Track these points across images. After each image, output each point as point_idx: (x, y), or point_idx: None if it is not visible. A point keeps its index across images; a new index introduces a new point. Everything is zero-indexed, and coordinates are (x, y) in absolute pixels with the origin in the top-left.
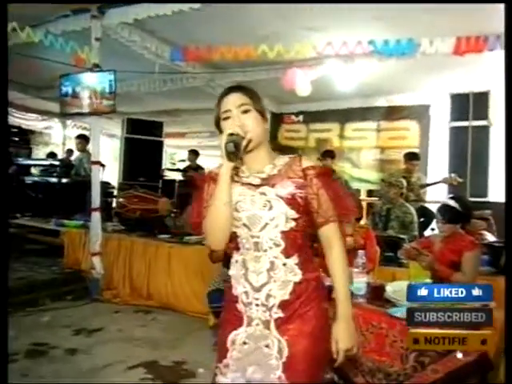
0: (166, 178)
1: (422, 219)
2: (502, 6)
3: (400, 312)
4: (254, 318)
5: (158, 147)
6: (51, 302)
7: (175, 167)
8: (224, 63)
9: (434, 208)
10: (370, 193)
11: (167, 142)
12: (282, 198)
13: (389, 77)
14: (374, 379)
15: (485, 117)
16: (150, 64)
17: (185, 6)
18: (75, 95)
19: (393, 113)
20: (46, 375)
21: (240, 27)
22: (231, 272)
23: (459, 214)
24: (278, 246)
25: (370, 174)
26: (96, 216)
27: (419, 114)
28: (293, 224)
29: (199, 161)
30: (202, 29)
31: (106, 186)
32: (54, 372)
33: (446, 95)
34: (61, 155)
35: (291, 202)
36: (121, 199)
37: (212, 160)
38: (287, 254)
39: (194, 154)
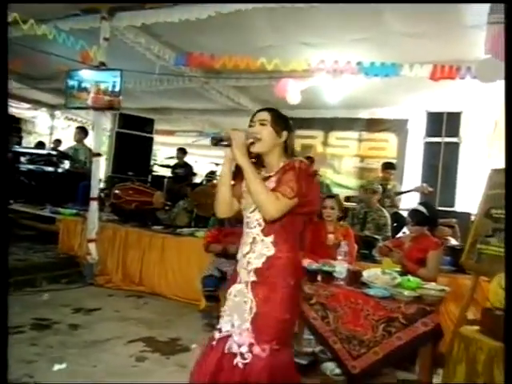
0: (155, 173)
1: (395, 224)
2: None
3: (373, 291)
4: (242, 277)
5: (148, 143)
6: (48, 283)
7: (164, 163)
8: (220, 68)
9: (406, 214)
10: (347, 199)
11: (156, 138)
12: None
13: (372, 92)
14: (350, 345)
15: (456, 134)
16: (151, 64)
17: (192, 16)
18: (81, 89)
19: (374, 125)
20: (54, 345)
21: (240, 39)
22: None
23: (427, 218)
24: (260, 225)
25: (350, 180)
26: (94, 205)
27: (398, 127)
28: None
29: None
30: (204, 37)
31: None
32: (60, 343)
33: (423, 112)
34: (48, 144)
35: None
36: (117, 191)
37: (197, 158)
38: (266, 233)
39: (182, 151)
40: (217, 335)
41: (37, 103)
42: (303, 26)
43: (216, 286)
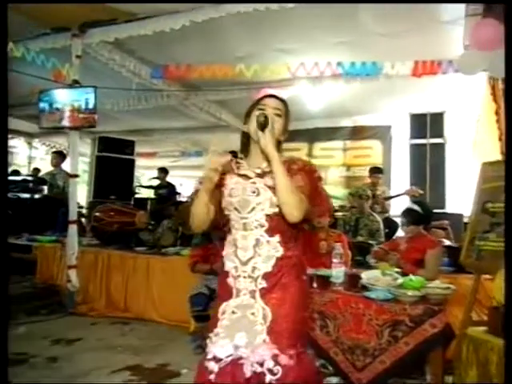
0: (137, 195)
1: (387, 229)
2: (455, 34)
3: (374, 294)
4: (242, 288)
5: (130, 165)
6: (25, 315)
7: (148, 184)
8: (198, 82)
9: (397, 219)
10: (337, 209)
11: (138, 162)
12: (269, 187)
13: (354, 99)
14: (354, 356)
15: (441, 135)
16: (127, 82)
17: (166, 27)
18: (53, 110)
19: (358, 133)
20: (29, 381)
21: (217, 48)
22: (224, 252)
23: (421, 217)
24: (262, 226)
25: (337, 190)
26: (73, 229)
27: (382, 133)
28: (276, 209)
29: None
30: (180, 50)
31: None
32: (36, 378)
33: (406, 115)
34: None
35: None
36: (97, 213)
37: (182, 180)
38: (270, 233)
39: (163, 171)
40: (213, 365)
41: (13, 132)
42: (279, 31)
43: (205, 305)
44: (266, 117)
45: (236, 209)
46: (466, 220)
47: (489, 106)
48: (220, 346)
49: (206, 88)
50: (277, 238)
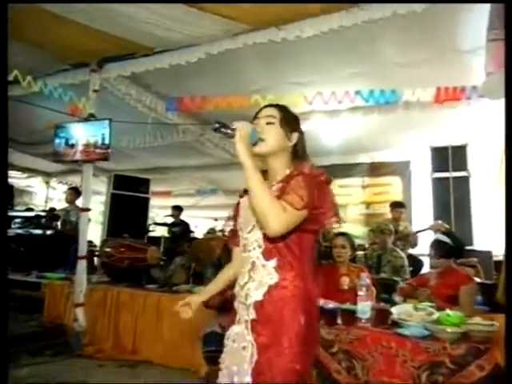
0: (151, 234)
1: (411, 268)
2: (479, 61)
3: (409, 331)
4: (240, 315)
5: (144, 204)
6: (30, 357)
7: (162, 221)
8: (214, 117)
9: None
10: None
11: (153, 201)
12: None
13: (371, 133)
14: None
15: (464, 168)
16: (143, 117)
17: (182, 60)
18: (69, 146)
19: (376, 169)
20: None
21: (232, 82)
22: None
23: (451, 249)
24: (260, 247)
25: (357, 228)
26: (82, 264)
27: (401, 169)
28: None
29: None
30: (196, 83)
31: (88, 244)
32: None
33: (426, 149)
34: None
35: None
36: (108, 249)
37: (196, 220)
38: (267, 255)
39: (177, 209)
40: None
41: (30, 171)
42: (295, 63)
43: (218, 345)
44: (219, 123)
45: (241, 229)
46: (495, 258)
47: None
48: (222, 375)
49: None
50: (273, 262)
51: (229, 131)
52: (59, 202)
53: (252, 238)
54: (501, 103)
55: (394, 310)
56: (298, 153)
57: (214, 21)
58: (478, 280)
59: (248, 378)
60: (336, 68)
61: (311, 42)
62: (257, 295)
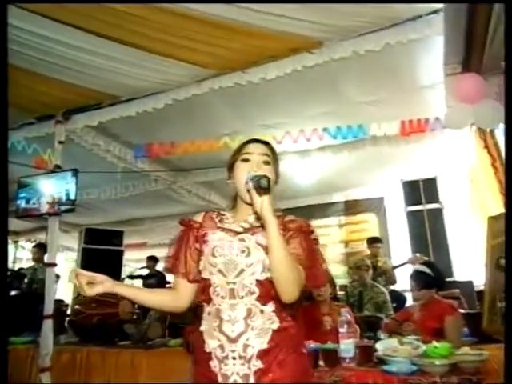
0: None
1: (394, 304)
2: (438, 94)
3: (395, 367)
4: (231, 374)
5: (118, 257)
6: None
7: (137, 274)
8: (185, 164)
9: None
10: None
11: (128, 254)
12: (261, 246)
13: (344, 172)
14: None
15: (436, 200)
16: (113, 168)
17: (148, 107)
18: (31, 205)
19: (351, 207)
20: None
21: (201, 127)
22: (202, 328)
23: (432, 279)
24: (252, 293)
25: (337, 268)
26: (48, 324)
27: (375, 206)
28: (269, 274)
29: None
30: (164, 130)
31: (59, 303)
32: None
33: (398, 184)
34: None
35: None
36: (76, 306)
37: None
38: (263, 301)
39: (152, 260)
40: None
41: None
42: (262, 107)
43: None
44: (269, 180)
45: (220, 271)
46: (477, 288)
47: (483, 160)
48: None
49: (192, 168)
50: (271, 306)
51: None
52: (28, 262)
53: (241, 283)
54: (464, 133)
55: (378, 345)
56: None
57: (180, 67)
58: (462, 311)
59: None
60: (302, 108)
61: (276, 84)
62: (261, 343)
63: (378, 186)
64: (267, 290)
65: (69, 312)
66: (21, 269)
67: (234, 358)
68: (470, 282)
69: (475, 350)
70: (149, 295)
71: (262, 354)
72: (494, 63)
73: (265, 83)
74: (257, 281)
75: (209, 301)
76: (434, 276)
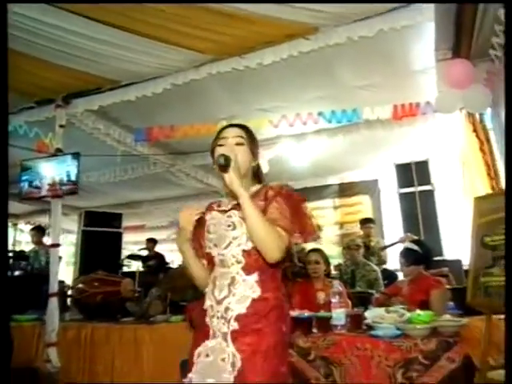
0: (125, 269)
1: (386, 281)
2: (430, 79)
3: (382, 332)
4: (216, 330)
5: (117, 239)
6: None
7: (136, 254)
8: (183, 147)
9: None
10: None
11: (126, 237)
12: (245, 220)
13: (339, 155)
14: None
15: (428, 182)
16: (113, 151)
17: (148, 92)
18: (34, 187)
19: (346, 190)
20: None
21: (199, 111)
22: (206, 290)
23: (421, 256)
24: (239, 262)
25: (332, 248)
26: (53, 302)
27: (370, 188)
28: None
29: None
30: (163, 114)
31: (60, 284)
32: None
33: (392, 167)
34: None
35: None
36: (80, 285)
37: (171, 255)
38: (248, 271)
39: (151, 242)
40: None
41: None
42: (259, 91)
43: None
44: (226, 157)
45: (215, 245)
46: (465, 267)
47: (472, 144)
48: None
49: (191, 151)
50: (254, 276)
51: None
52: (27, 245)
53: (229, 254)
54: (455, 117)
55: (367, 314)
56: (259, 169)
57: (178, 52)
58: (448, 286)
59: None
60: (298, 93)
61: (273, 70)
62: (239, 309)
63: (371, 169)
64: (253, 260)
65: (70, 292)
66: (21, 251)
67: (217, 318)
68: (459, 261)
69: (454, 318)
70: (197, 266)
71: (240, 318)
72: (482, 50)
73: (261, 68)
74: (243, 251)
75: (212, 269)
76: (423, 253)
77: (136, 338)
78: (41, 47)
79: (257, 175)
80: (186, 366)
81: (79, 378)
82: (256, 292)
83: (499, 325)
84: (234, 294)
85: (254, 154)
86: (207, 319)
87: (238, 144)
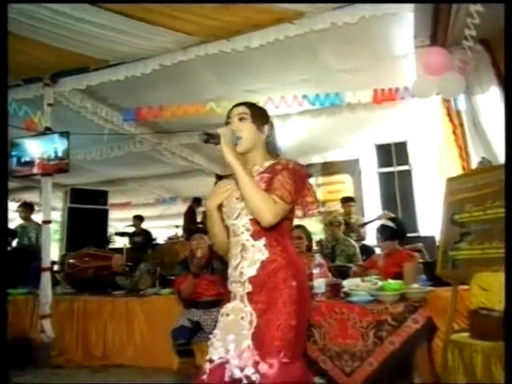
0: (112, 246)
1: (364, 257)
2: (408, 66)
3: (356, 298)
4: (235, 292)
5: (103, 216)
6: None
7: (122, 231)
8: (170, 126)
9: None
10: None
11: (112, 214)
12: None
13: (322, 135)
14: (342, 361)
15: (406, 162)
16: (100, 130)
17: (136, 72)
18: (22, 164)
19: (328, 168)
20: None
21: (187, 92)
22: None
23: (396, 232)
24: (248, 230)
25: (315, 225)
26: (46, 276)
27: (351, 167)
28: None
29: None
30: (151, 94)
31: None
32: None
33: (372, 147)
34: None
35: None
36: (71, 260)
37: (156, 231)
38: (256, 237)
39: (138, 219)
40: (207, 366)
41: None
42: (246, 73)
43: (188, 338)
44: (207, 134)
45: (228, 216)
46: (438, 243)
47: (446, 127)
48: (214, 348)
49: (177, 130)
50: (262, 241)
51: (215, 139)
52: (13, 221)
53: (239, 224)
54: (432, 102)
55: (345, 283)
56: (271, 143)
57: (166, 35)
58: (421, 260)
59: (248, 341)
60: (283, 75)
61: (260, 53)
62: (251, 271)
63: (353, 149)
64: (260, 227)
65: (56, 268)
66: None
67: (235, 282)
68: (433, 237)
69: (421, 286)
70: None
71: (252, 280)
72: (457, 39)
73: (248, 51)
74: (251, 220)
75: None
76: (397, 230)
77: (128, 309)
78: (28, 27)
79: (270, 150)
80: (176, 334)
81: (72, 348)
82: (264, 255)
83: (464, 294)
84: (246, 258)
85: (259, 127)
86: (228, 283)
87: (240, 119)
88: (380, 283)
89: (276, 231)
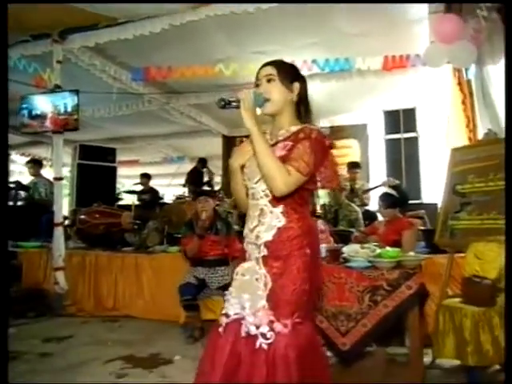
0: (120, 203)
1: (367, 222)
2: (421, 32)
3: (355, 264)
4: (250, 254)
5: (112, 173)
6: (13, 319)
7: (131, 189)
8: (179, 86)
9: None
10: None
11: (119, 171)
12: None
13: (331, 99)
14: (338, 321)
15: (413, 129)
16: (108, 88)
17: (145, 30)
18: (34, 117)
19: (336, 133)
20: (25, 374)
21: (196, 52)
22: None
23: (397, 200)
24: (267, 196)
25: (321, 190)
26: (59, 231)
27: (359, 132)
28: None
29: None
30: (160, 53)
31: None
32: (29, 371)
33: (380, 113)
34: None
35: (282, 160)
36: (82, 216)
37: (163, 189)
38: (274, 203)
39: (146, 177)
40: (224, 320)
41: None
42: (256, 34)
43: (194, 294)
44: (223, 100)
45: (249, 179)
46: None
47: (455, 96)
48: (230, 304)
49: (186, 90)
50: (280, 208)
51: (235, 103)
52: (20, 176)
53: (259, 188)
54: (443, 70)
55: (344, 249)
56: (300, 105)
57: None
58: (422, 228)
59: (263, 302)
60: (294, 38)
61: (270, 14)
62: (267, 236)
63: (361, 114)
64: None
65: (67, 222)
66: (17, 182)
67: (251, 244)
68: (435, 205)
69: (417, 254)
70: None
71: (268, 244)
72: (472, 8)
73: (259, 12)
74: None
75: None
76: (399, 198)
77: (137, 264)
78: None
79: (300, 113)
80: (182, 290)
81: (85, 298)
82: (281, 222)
83: (459, 262)
84: (263, 223)
85: (288, 86)
86: (245, 244)
87: (269, 81)
88: (378, 250)
89: (294, 200)
